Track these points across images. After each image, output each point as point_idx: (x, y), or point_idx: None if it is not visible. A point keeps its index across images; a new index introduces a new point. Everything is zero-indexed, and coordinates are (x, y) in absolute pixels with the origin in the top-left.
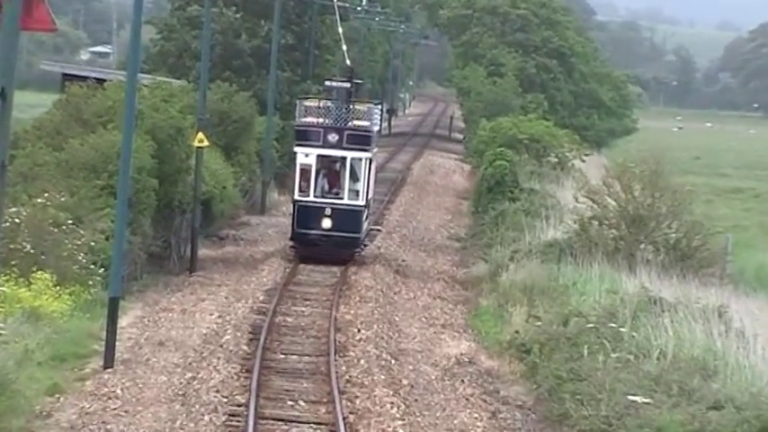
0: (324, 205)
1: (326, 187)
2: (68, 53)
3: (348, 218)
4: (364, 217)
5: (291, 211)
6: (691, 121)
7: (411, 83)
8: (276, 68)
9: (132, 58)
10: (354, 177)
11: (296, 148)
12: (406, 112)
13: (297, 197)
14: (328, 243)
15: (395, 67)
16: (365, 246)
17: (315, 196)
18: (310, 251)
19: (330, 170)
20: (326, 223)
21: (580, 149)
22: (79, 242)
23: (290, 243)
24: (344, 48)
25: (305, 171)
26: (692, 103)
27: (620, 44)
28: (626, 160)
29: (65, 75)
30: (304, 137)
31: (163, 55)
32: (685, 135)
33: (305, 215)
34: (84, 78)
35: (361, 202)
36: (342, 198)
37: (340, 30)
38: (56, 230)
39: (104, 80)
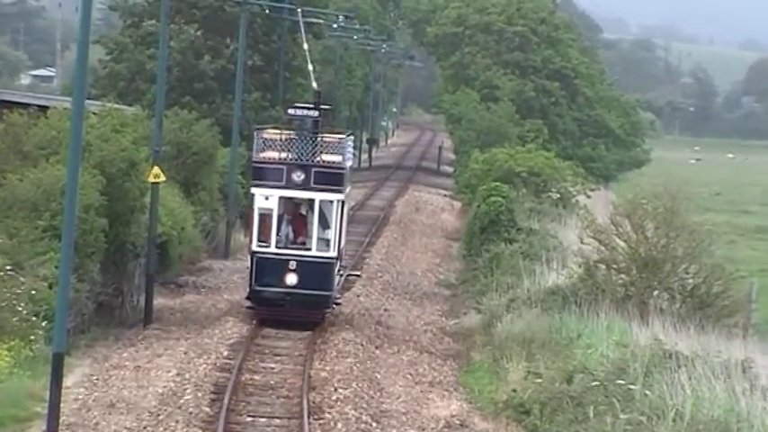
0: (288, 257)
1: (291, 236)
2: (7, 77)
3: (317, 272)
4: (336, 271)
5: (249, 264)
6: (710, 151)
7: (394, 109)
8: (242, 92)
9: (78, 82)
10: (324, 223)
11: (253, 190)
12: (389, 141)
13: (255, 248)
14: (293, 303)
15: (376, 91)
16: (337, 305)
17: (277, 247)
18: (271, 313)
19: (295, 215)
20: (291, 279)
21: (585, 184)
22: (19, 291)
23: (247, 303)
24: (310, 67)
25: (265, 217)
26: (712, 132)
27: (630, 65)
28: (637, 196)
29: (2, 101)
30: (263, 176)
31: (113, 78)
32: (704, 167)
33: (265, 269)
34: (25, 105)
35: (332, 253)
36: (309, 249)
37: (305, 45)
38: None
39: (47, 107)
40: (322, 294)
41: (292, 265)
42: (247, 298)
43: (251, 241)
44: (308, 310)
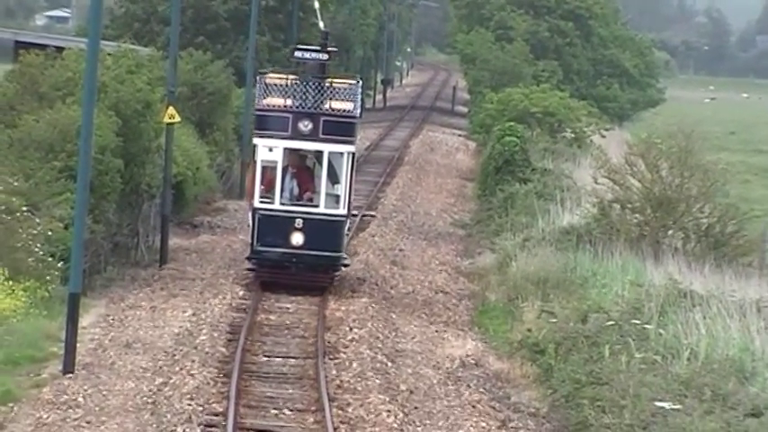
0: (293, 215)
1: (297, 191)
2: (22, 18)
3: (325, 231)
4: (346, 229)
5: (249, 222)
6: (724, 90)
7: (408, 49)
8: (255, 33)
9: (94, 23)
10: (334, 178)
11: (256, 140)
12: (404, 82)
13: (257, 204)
14: (299, 265)
15: (390, 31)
16: (346, 266)
17: (281, 203)
18: (275, 275)
19: (301, 169)
20: (297, 238)
21: (599, 124)
22: (35, 231)
23: (247, 264)
24: (317, 4)
25: (268, 170)
26: (726, 71)
27: (645, 4)
28: (651, 135)
29: (18, 42)
30: (267, 125)
31: (128, 19)
32: (718, 106)
33: (268, 228)
34: (42, 47)
35: (342, 210)
36: (317, 206)
37: None
38: (8, 218)
39: (63, 48)
40: (331, 256)
41: (298, 223)
42: (248, 258)
43: (252, 197)
44: (315, 272)
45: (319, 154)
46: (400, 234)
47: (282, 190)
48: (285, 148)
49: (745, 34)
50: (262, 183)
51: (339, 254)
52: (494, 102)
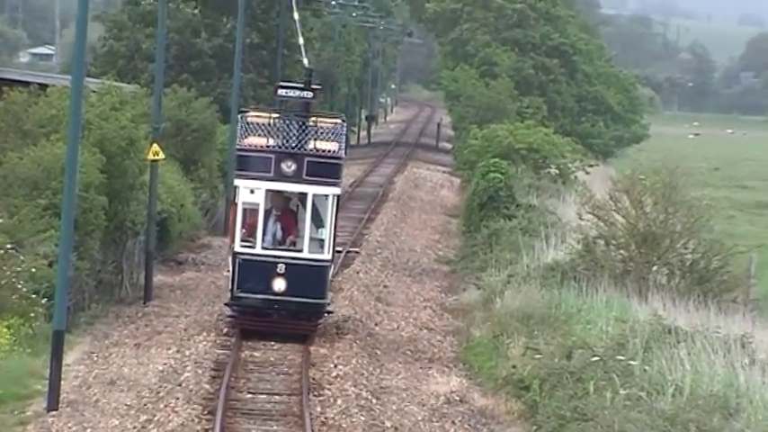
0: (276, 260)
1: (280, 235)
2: (5, 55)
3: (309, 277)
4: (330, 275)
5: (230, 267)
6: (709, 126)
7: (393, 86)
8: (240, 70)
9: (78, 60)
10: (318, 221)
11: (237, 181)
12: (388, 118)
13: (238, 248)
14: (281, 312)
15: (374, 68)
16: (330, 312)
17: (263, 248)
18: (256, 323)
19: (285, 211)
20: (279, 285)
21: (584, 160)
22: (19, 269)
23: (227, 311)
24: (301, 40)
25: (249, 213)
26: (710, 107)
27: (629, 41)
28: (636, 171)
29: (1, 79)
30: (248, 165)
31: (112, 56)
32: (703, 142)
33: (249, 273)
34: (25, 84)
35: (327, 255)
36: (300, 250)
37: (296, 15)
38: None
39: (47, 85)
40: (314, 303)
41: (281, 268)
42: (227, 305)
43: (233, 240)
44: (298, 320)
45: (303, 196)
46: (385, 270)
47: (265, 233)
48: (268, 190)
49: (729, 71)
50: (243, 226)
51: (323, 300)
52: (478, 138)
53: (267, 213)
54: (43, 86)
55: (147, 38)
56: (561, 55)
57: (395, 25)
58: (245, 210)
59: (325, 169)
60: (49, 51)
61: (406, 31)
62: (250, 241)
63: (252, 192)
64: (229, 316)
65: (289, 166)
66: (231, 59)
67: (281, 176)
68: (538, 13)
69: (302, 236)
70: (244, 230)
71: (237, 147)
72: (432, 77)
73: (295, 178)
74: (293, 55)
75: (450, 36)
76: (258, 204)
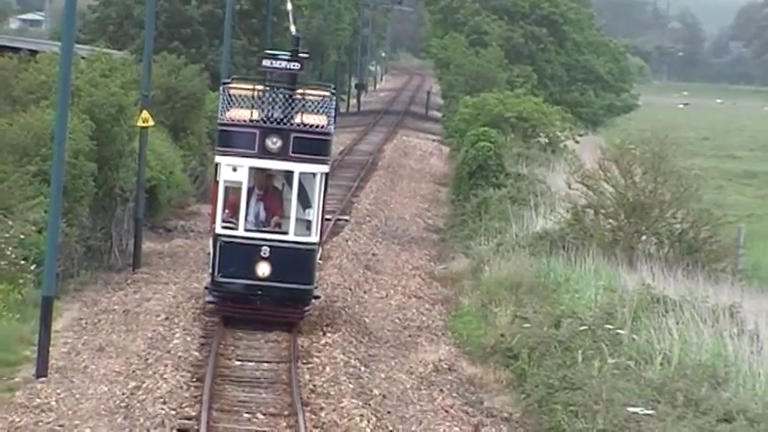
0: (259, 243)
1: (263, 216)
2: None
3: (295, 261)
4: (317, 259)
5: (210, 249)
6: (698, 96)
7: (383, 54)
8: (230, 38)
9: (67, 27)
10: (305, 201)
11: (218, 158)
12: (378, 87)
13: (219, 230)
14: (265, 298)
15: (364, 36)
16: (317, 298)
17: (246, 229)
18: (238, 310)
19: (269, 191)
20: (263, 269)
21: (573, 129)
22: (8, 235)
23: (208, 297)
24: (289, 6)
25: (231, 191)
26: (700, 77)
27: (619, 9)
28: (625, 141)
29: None
30: (230, 141)
31: (102, 22)
32: (692, 112)
33: (231, 257)
34: (15, 50)
35: (314, 237)
36: (286, 232)
37: None
38: None
39: (37, 51)
40: (301, 288)
41: (265, 251)
42: (207, 289)
43: (213, 221)
44: (283, 307)
45: (289, 174)
46: (374, 239)
47: (247, 214)
48: (251, 168)
49: (719, 40)
50: (224, 206)
51: (310, 286)
52: (468, 106)
53: (250, 192)
54: (33, 52)
55: (137, 4)
56: (551, 24)
57: None
58: (226, 188)
59: (313, 145)
60: (39, 17)
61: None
62: (232, 222)
63: (234, 169)
64: (209, 302)
65: (274, 142)
66: (221, 27)
67: (266, 153)
68: None
69: (288, 217)
70: (225, 211)
71: (219, 121)
72: (422, 46)
73: (281, 155)
74: (283, 22)
75: (439, 4)
76: (241, 183)
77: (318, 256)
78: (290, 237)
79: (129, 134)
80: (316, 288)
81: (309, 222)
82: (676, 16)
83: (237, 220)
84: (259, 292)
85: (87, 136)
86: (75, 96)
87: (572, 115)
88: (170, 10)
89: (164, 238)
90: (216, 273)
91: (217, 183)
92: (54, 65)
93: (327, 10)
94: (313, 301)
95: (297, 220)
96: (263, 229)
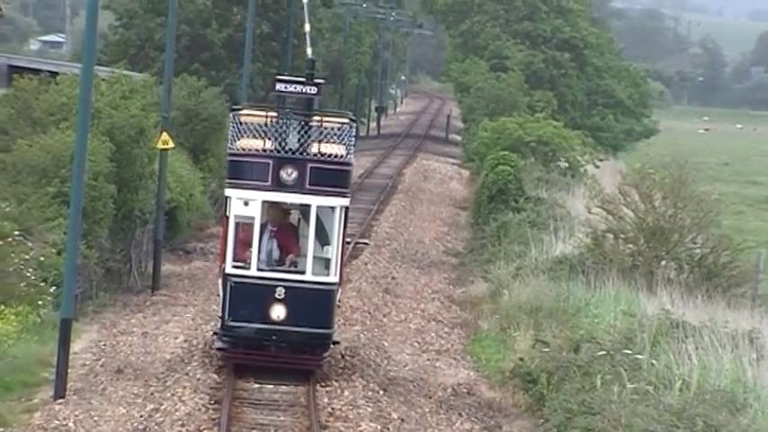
0: (274, 283)
1: (278, 254)
2: (16, 42)
3: (312, 303)
4: (336, 300)
5: (220, 291)
6: (719, 121)
7: (403, 77)
8: (250, 61)
9: (88, 49)
10: (323, 238)
11: (228, 191)
12: (398, 110)
13: (230, 269)
14: (280, 344)
15: (384, 59)
16: (336, 343)
17: (259, 269)
18: (251, 357)
19: (284, 226)
20: (278, 312)
21: (593, 153)
22: (27, 256)
23: (218, 343)
24: (307, 27)
25: (243, 227)
26: (721, 102)
27: (639, 34)
28: (645, 166)
29: (11, 67)
30: (241, 173)
31: (123, 45)
32: (713, 137)
33: (243, 299)
34: (35, 71)
35: (333, 277)
36: (302, 272)
37: (305, 0)
38: (0, 243)
39: (57, 73)
40: (319, 333)
41: (279, 293)
42: (217, 335)
43: (223, 260)
44: (300, 354)
45: (306, 208)
46: (393, 262)
47: (260, 252)
48: (264, 202)
49: (740, 65)
50: (235, 243)
51: (329, 330)
52: (488, 130)
53: (263, 228)
54: (53, 74)
55: (158, 27)
56: (572, 48)
57: (405, 16)
58: (237, 224)
59: (332, 177)
60: (60, 39)
61: (416, 23)
62: (244, 261)
63: (246, 203)
64: (219, 348)
65: (289, 174)
66: (241, 50)
67: (280, 185)
68: (549, 6)
69: (304, 255)
70: (236, 249)
71: (229, 151)
72: (442, 69)
73: (296, 188)
74: (302, 45)
75: (460, 28)
76: (253, 218)
77: (338, 297)
78: (307, 276)
79: (148, 156)
80: (335, 334)
81: (328, 261)
82: (697, 41)
83: (249, 258)
84: (273, 338)
85: (107, 158)
86: (96, 118)
87: (592, 140)
88: (191, 33)
89: (183, 260)
90: (226, 316)
91: (227, 218)
92: (74, 86)
93: (348, 33)
94: (332, 347)
95: (314, 258)
96: (278, 268)
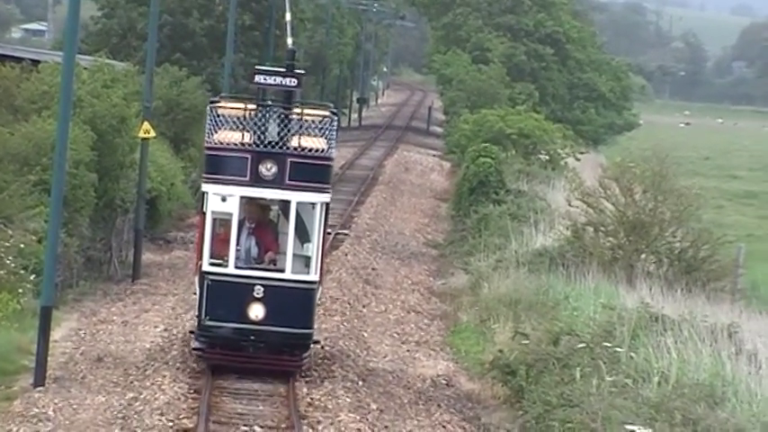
0: (252, 281)
1: (256, 252)
2: None
3: (292, 302)
4: (317, 299)
5: (197, 290)
6: (700, 116)
7: (385, 69)
8: (232, 51)
9: (70, 37)
10: (303, 235)
11: (205, 186)
12: (379, 101)
13: (207, 267)
14: (258, 344)
15: (366, 51)
16: (316, 343)
17: (237, 267)
18: (228, 358)
19: (262, 223)
20: (256, 311)
21: (574, 146)
22: (8, 244)
23: (194, 344)
24: (288, 17)
25: (220, 224)
26: (702, 96)
27: (621, 28)
28: (626, 159)
29: None
30: (219, 167)
31: (105, 34)
32: (693, 132)
33: (220, 297)
34: (17, 59)
35: (313, 275)
36: (282, 270)
37: None
38: None
39: (39, 61)
40: (299, 333)
41: (258, 291)
42: (193, 334)
43: (200, 257)
44: (279, 354)
45: (285, 205)
46: (373, 253)
47: (238, 250)
48: (242, 197)
49: (722, 60)
50: (212, 241)
51: (309, 330)
52: (469, 122)
53: (241, 225)
54: (35, 62)
55: (140, 17)
56: (554, 42)
57: (388, 8)
58: (214, 221)
59: (312, 172)
60: (42, 27)
61: (398, 15)
62: (221, 259)
63: (223, 199)
64: (195, 349)
65: (268, 169)
66: (223, 40)
67: (259, 181)
68: (531, 0)
69: (284, 252)
70: (213, 246)
71: (206, 144)
72: (424, 61)
73: (275, 183)
74: (285, 36)
75: (442, 20)
76: (231, 214)
77: (318, 295)
78: (287, 275)
79: (130, 145)
80: (315, 331)
81: (308, 258)
82: (679, 36)
83: (227, 256)
84: (252, 338)
85: (88, 146)
86: (77, 107)
87: (573, 133)
88: (173, 23)
89: (163, 249)
90: (203, 315)
91: (204, 214)
92: (56, 75)
93: (330, 24)
94: (312, 346)
95: (294, 255)
96: (256, 266)
